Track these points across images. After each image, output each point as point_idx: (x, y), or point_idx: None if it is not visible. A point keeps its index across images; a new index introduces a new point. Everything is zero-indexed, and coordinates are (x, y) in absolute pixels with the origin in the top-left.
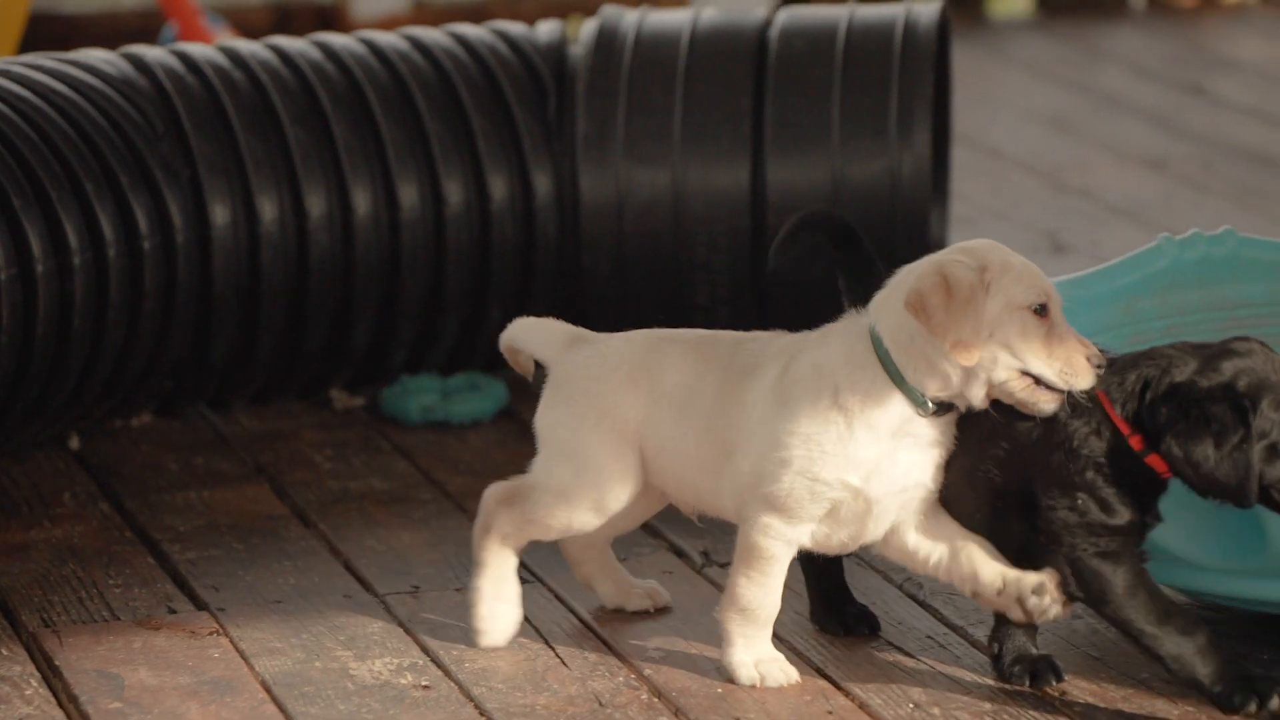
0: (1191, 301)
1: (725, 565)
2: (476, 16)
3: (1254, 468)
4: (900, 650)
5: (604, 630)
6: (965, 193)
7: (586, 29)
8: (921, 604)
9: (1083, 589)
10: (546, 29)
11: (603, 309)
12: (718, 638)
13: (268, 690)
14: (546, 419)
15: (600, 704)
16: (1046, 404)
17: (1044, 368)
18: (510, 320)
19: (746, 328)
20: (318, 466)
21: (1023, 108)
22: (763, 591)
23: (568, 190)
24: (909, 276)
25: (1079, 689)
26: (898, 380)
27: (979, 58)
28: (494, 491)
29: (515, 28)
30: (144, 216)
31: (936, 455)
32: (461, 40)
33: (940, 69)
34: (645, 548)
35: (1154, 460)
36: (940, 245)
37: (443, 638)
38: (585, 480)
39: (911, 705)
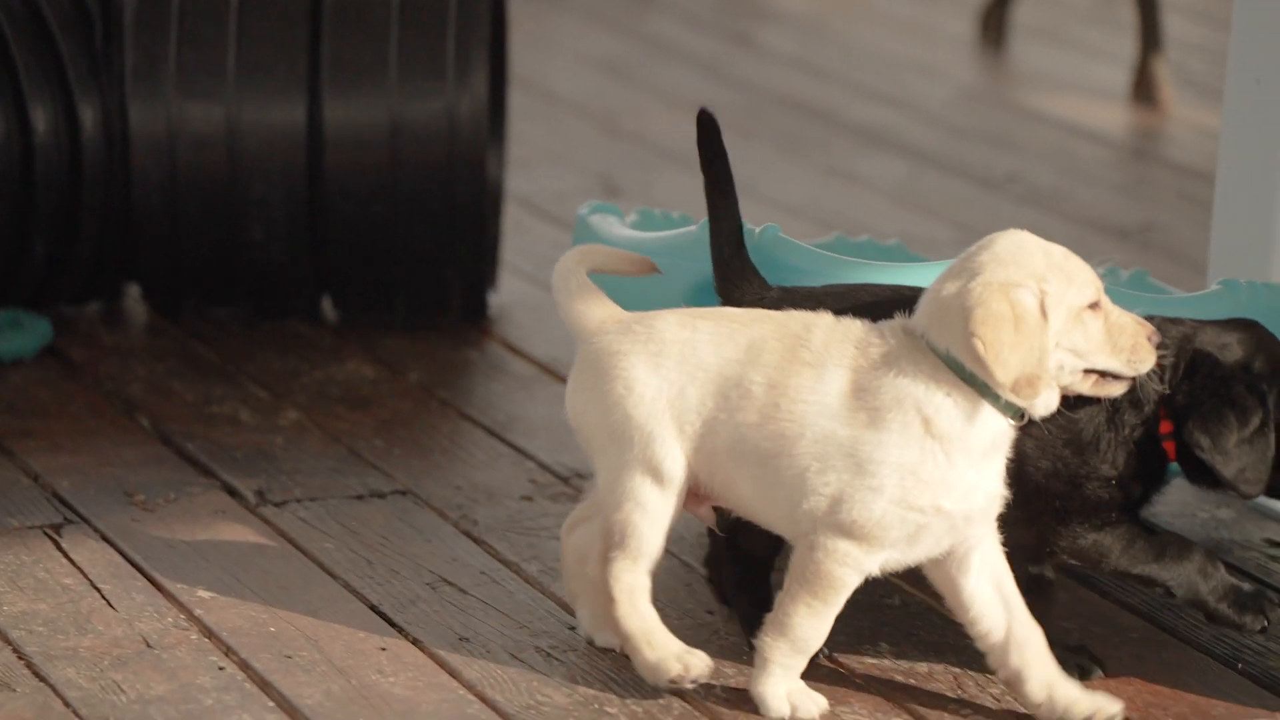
0: None
1: (280, 504)
2: None
3: (1270, 455)
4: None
5: (153, 571)
6: (522, 135)
7: None
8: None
9: (1080, 559)
10: None
11: (154, 245)
12: (753, 660)
13: None
14: (576, 405)
15: (148, 645)
16: (1115, 392)
17: (1111, 362)
18: (55, 255)
19: (300, 265)
20: None
21: (578, 52)
22: (821, 622)
23: (116, 124)
24: (964, 294)
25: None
26: (990, 398)
27: (536, 2)
28: (594, 563)
29: None
30: None
31: (1005, 461)
32: None
33: (497, 12)
34: (196, 486)
35: (1168, 444)
36: (498, 186)
37: None
38: (634, 445)
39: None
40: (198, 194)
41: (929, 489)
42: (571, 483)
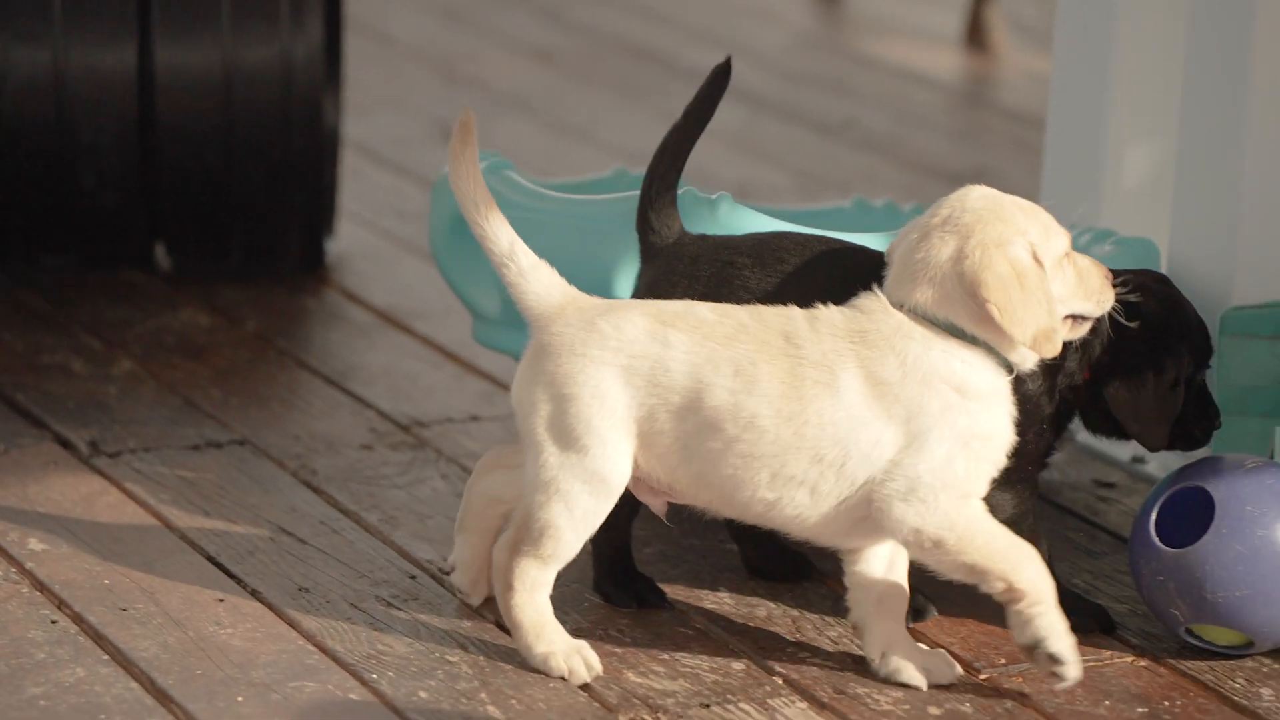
0: None
1: (114, 455)
2: None
3: (1176, 412)
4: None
5: None
6: (359, 80)
7: None
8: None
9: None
10: None
11: None
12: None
13: None
14: (529, 395)
15: None
16: (1083, 333)
17: (1085, 304)
18: None
19: (132, 212)
20: None
21: None
22: (1002, 548)
23: None
24: (960, 260)
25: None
26: (993, 355)
27: None
28: (501, 549)
29: None
30: None
31: None
32: None
33: None
34: (28, 438)
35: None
36: (335, 133)
37: None
38: (586, 453)
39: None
40: (25, 140)
41: (989, 442)
42: (412, 431)
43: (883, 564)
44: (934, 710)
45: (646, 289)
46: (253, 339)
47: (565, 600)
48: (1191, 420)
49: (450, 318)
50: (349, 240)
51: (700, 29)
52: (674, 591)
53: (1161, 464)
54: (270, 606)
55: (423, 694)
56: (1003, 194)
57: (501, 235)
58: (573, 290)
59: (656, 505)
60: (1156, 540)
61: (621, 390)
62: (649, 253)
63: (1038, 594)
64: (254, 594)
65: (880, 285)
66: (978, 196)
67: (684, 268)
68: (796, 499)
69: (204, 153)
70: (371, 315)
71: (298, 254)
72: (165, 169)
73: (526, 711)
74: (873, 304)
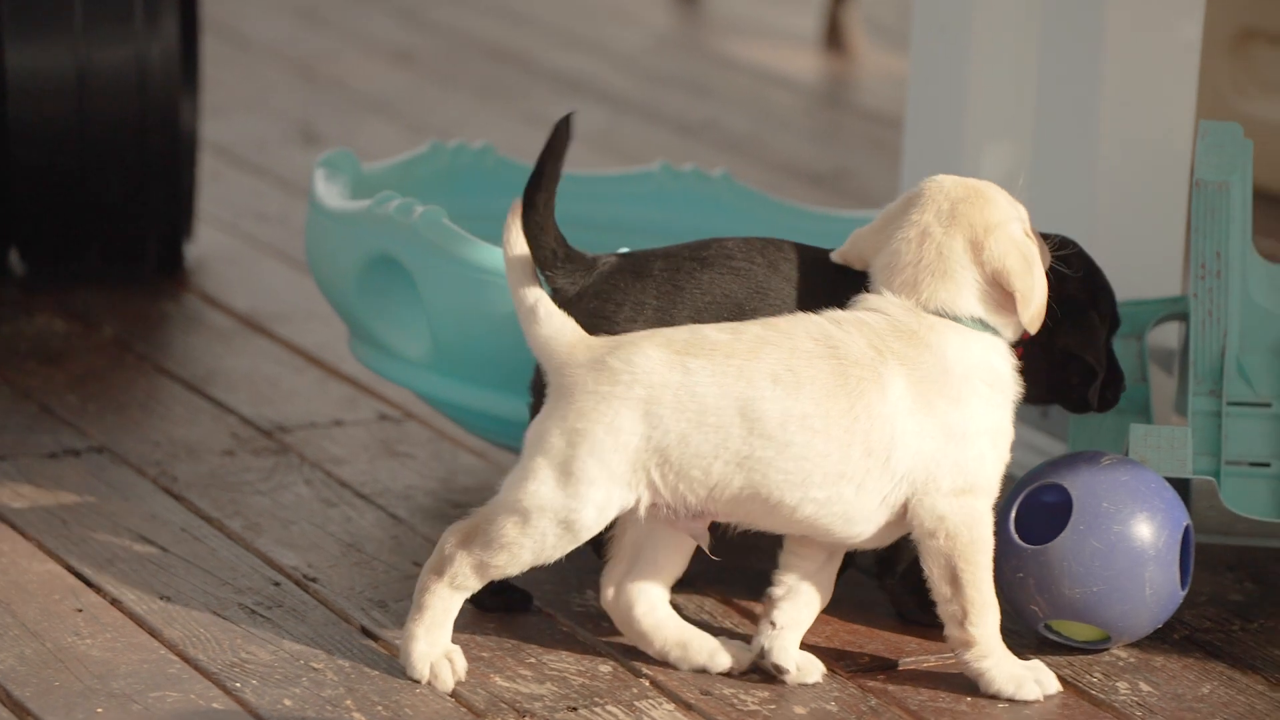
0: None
1: None
2: None
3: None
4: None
5: None
6: (216, 81)
7: None
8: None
9: None
10: None
11: None
12: (973, 660)
13: None
14: (540, 426)
15: None
16: None
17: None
18: None
19: None
20: None
21: None
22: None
23: None
24: (977, 251)
25: None
26: (996, 338)
27: None
28: (453, 532)
29: None
30: None
31: None
32: None
33: None
34: None
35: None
36: (193, 135)
37: None
38: (568, 494)
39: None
40: None
41: (1007, 436)
42: (274, 436)
43: (819, 563)
44: (799, 709)
45: (589, 322)
46: (110, 344)
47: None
48: (1105, 382)
49: (312, 322)
50: (208, 244)
51: (560, 30)
52: (540, 595)
53: (1019, 463)
54: (131, 616)
55: (287, 702)
56: (968, 179)
57: (530, 292)
58: (580, 330)
59: (698, 530)
60: (1016, 538)
61: (639, 423)
62: (569, 299)
63: (990, 644)
64: (114, 603)
65: (859, 287)
66: (955, 184)
67: (625, 286)
68: (844, 495)
69: (58, 156)
70: (232, 319)
71: (156, 258)
72: (18, 173)
73: (393, 718)
74: (890, 303)
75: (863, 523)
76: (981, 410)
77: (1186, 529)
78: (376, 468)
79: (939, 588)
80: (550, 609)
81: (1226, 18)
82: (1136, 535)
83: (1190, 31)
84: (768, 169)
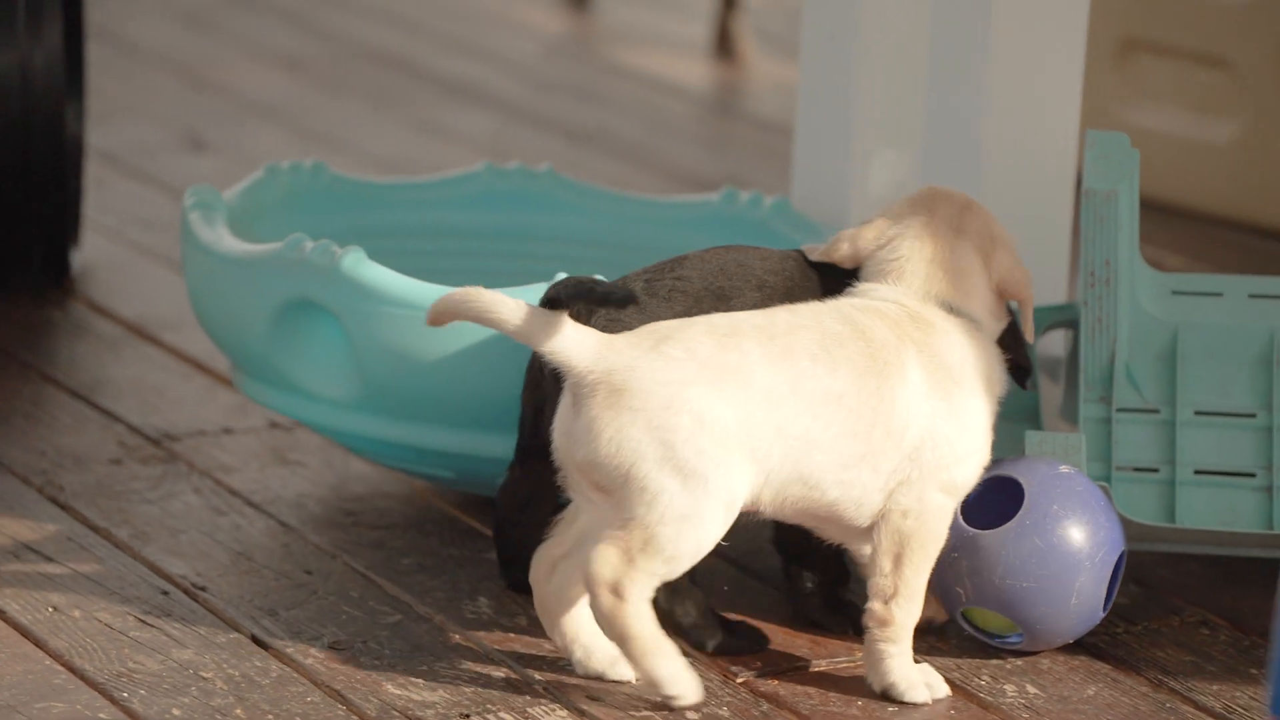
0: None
1: None
2: None
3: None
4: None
5: None
6: (101, 88)
7: None
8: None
9: None
10: None
11: None
12: (876, 655)
13: None
14: (621, 441)
15: None
16: None
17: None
18: None
19: None
20: None
21: (158, 2)
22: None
23: None
24: (987, 254)
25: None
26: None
27: None
28: (600, 560)
29: None
30: None
31: None
32: None
33: None
34: None
35: None
36: (78, 142)
37: None
38: (707, 486)
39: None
40: None
41: (990, 437)
42: (163, 444)
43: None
44: (692, 715)
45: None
46: None
47: (323, 613)
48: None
49: (200, 330)
50: (94, 251)
51: (450, 37)
52: (432, 603)
53: None
54: (16, 626)
55: (176, 711)
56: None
57: (534, 311)
58: (596, 331)
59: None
60: (960, 519)
61: (718, 404)
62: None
63: (903, 633)
64: None
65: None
66: (958, 194)
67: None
68: (862, 477)
69: None
70: (119, 327)
71: (41, 265)
72: None
73: None
74: (899, 293)
75: (868, 506)
76: (979, 406)
77: (1121, 555)
78: (267, 475)
79: (880, 560)
80: (442, 616)
81: (1110, 28)
82: (1078, 543)
83: (1075, 42)
84: (658, 176)
